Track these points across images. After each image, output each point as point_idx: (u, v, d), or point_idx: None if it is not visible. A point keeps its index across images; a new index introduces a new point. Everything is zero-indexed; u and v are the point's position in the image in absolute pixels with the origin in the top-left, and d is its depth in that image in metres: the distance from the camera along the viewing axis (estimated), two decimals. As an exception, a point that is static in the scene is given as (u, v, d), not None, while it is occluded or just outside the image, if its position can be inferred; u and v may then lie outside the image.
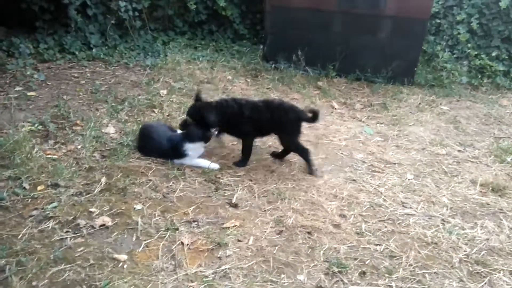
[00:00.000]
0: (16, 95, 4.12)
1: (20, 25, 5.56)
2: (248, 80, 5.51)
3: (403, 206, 3.20)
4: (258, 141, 3.87)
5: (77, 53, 5.42)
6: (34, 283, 2.11)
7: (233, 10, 6.97)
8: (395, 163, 3.80)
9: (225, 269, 2.38)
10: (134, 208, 2.77)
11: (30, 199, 2.70)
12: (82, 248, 2.37)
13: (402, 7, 5.55)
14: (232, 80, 5.34)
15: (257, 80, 5.54)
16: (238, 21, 7.08)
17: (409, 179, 3.57)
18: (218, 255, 2.47)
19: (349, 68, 5.77)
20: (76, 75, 4.90)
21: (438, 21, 6.46)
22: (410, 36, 5.64)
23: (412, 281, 2.47)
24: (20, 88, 4.30)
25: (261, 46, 6.39)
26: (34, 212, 2.60)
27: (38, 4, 5.29)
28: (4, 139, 3.17)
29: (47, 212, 2.60)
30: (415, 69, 5.81)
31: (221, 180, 3.24)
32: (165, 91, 4.69)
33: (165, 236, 2.57)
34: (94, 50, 5.61)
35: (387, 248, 2.72)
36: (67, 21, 5.56)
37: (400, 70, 5.71)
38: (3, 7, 5.62)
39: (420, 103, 5.27)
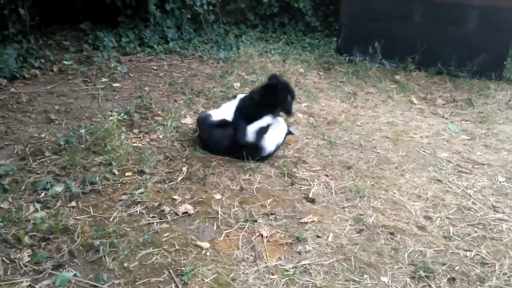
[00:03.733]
0: (102, 86, 4.34)
1: (104, 20, 5.87)
2: (321, 73, 5.43)
3: (494, 210, 2.97)
4: (333, 136, 3.79)
5: (155, 46, 5.65)
6: (125, 264, 2.19)
7: (305, 2, 6.91)
8: (484, 164, 3.55)
9: (305, 264, 2.32)
10: (214, 197, 2.80)
11: (119, 184, 2.82)
12: (167, 234, 2.43)
13: (491, -4, 5.19)
14: (304, 73, 5.28)
15: (330, 73, 5.44)
16: (310, 13, 7.01)
17: (500, 182, 3.31)
18: (298, 250, 2.43)
19: (430, 61, 5.48)
20: (155, 67, 5.08)
21: (530, 11, 5.95)
22: (499, 27, 5.25)
23: (507, 291, 2.29)
24: (106, 80, 4.53)
25: (334, 39, 6.26)
26: (123, 197, 2.70)
27: (121, -1, 5.55)
28: (95, 127, 3.34)
29: (135, 197, 2.69)
30: (504, 63, 5.40)
31: (297, 174, 3.19)
32: (238, 84, 4.73)
33: (244, 227, 2.57)
34: (170, 43, 5.82)
35: (478, 254, 2.53)
36: (146, 16, 5.81)
37: (487, 64, 5.32)
38: (89, 3, 5.96)
39: (510, 100, 4.89)
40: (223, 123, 3.29)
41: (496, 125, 4.31)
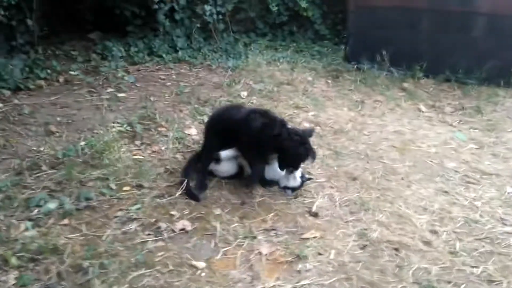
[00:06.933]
0: (107, 96, 4.31)
1: (113, 30, 5.89)
2: (329, 81, 5.37)
3: (502, 223, 2.88)
4: (340, 146, 3.73)
5: (164, 55, 5.63)
6: (115, 287, 2.14)
7: (314, 11, 6.87)
8: (492, 174, 3.45)
9: (305, 284, 2.26)
10: (213, 212, 2.75)
11: (116, 200, 2.77)
12: (162, 253, 2.38)
13: (498, 4, 5.12)
14: (313, 81, 5.23)
15: (338, 82, 5.38)
16: (319, 21, 6.97)
17: (508, 193, 3.21)
18: (298, 269, 2.36)
19: (438, 69, 5.40)
20: (162, 77, 5.07)
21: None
22: (506, 34, 5.17)
23: (514, 311, 2.20)
24: (112, 90, 4.51)
25: (342, 47, 6.22)
26: (119, 213, 2.65)
27: (130, 9, 5.57)
28: (95, 140, 3.31)
29: (131, 214, 2.65)
30: (512, 69, 5.29)
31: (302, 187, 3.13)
32: (245, 93, 4.69)
33: (243, 245, 2.51)
34: (180, 52, 5.80)
35: (485, 271, 2.45)
36: (156, 25, 5.82)
37: (495, 71, 5.21)
38: (99, 13, 5.99)
39: (518, 107, 4.77)
40: None
41: (505, 133, 4.20)
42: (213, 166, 3.14)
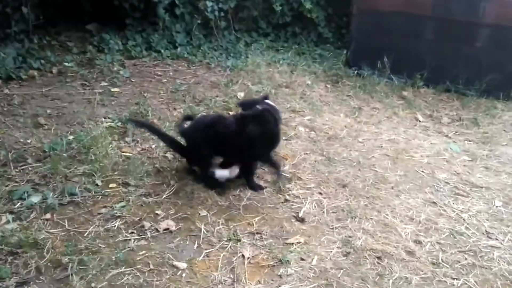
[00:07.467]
0: (100, 91, 4.27)
1: (111, 22, 5.82)
2: (328, 86, 5.33)
3: (487, 236, 2.87)
4: (332, 152, 3.71)
5: (162, 51, 5.56)
6: (93, 284, 2.13)
7: (319, 13, 6.79)
8: (482, 187, 3.43)
9: (285, 288, 2.27)
10: (199, 214, 2.74)
11: (100, 197, 2.75)
12: (144, 252, 2.37)
13: (503, 16, 5.06)
14: (311, 85, 5.18)
15: (337, 87, 5.34)
16: (323, 24, 6.89)
17: (497, 206, 3.20)
18: (279, 273, 2.36)
19: (439, 78, 5.35)
20: (159, 73, 5.02)
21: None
22: (509, 46, 5.13)
23: (492, 325, 2.19)
24: (105, 84, 4.46)
25: (345, 51, 6.16)
26: (103, 210, 2.64)
27: (129, 1, 5.50)
28: (83, 134, 3.28)
29: (115, 211, 2.63)
30: (513, 83, 5.25)
31: (290, 191, 3.11)
32: (242, 94, 4.65)
33: (226, 247, 2.51)
34: (179, 49, 5.72)
35: (466, 283, 2.45)
36: (155, 19, 5.75)
37: (496, 83, 5.15)
38: (97, 4, 5.93)
39: (516, 120, 4.75)
40: None
41: (499, 146, 4.18)
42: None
